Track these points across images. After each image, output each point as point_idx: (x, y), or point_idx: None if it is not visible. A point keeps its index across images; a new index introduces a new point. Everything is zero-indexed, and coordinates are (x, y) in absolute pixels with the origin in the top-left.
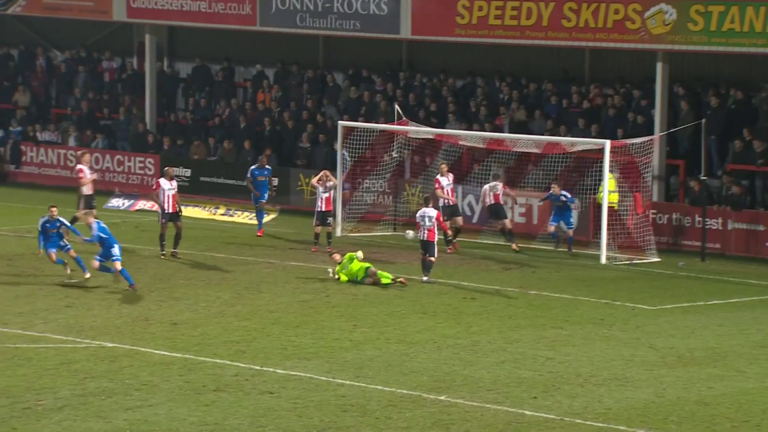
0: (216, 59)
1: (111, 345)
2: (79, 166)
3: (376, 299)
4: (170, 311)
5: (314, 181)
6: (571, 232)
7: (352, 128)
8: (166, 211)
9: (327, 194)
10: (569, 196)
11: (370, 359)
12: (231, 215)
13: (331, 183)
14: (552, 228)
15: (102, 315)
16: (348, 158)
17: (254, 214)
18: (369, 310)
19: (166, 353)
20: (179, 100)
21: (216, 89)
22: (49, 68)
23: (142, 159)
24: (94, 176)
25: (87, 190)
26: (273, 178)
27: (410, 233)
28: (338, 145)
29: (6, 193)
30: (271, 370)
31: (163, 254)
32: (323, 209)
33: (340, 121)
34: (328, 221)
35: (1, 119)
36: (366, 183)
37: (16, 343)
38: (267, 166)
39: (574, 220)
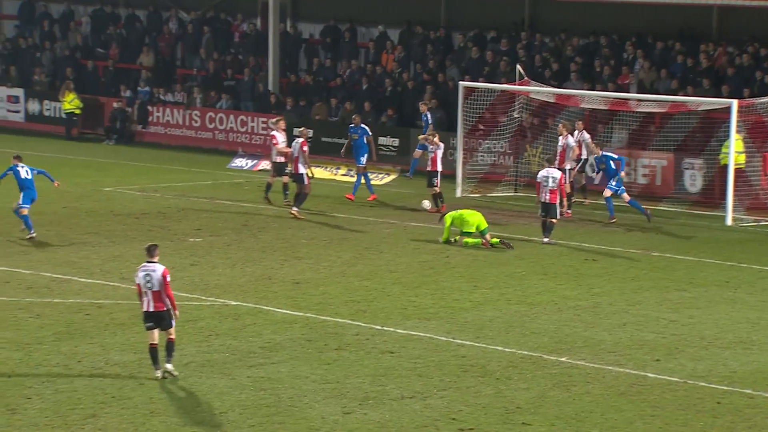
0: (339, 20)
1: (235, 303)
2: (272, 132)
3: (496, 260)
4: (292, 270)
5: (423, 139)
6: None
7: (473, 89)
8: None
9: (432, 155)
10: (615, 156)
11: (490, 320)
12: (352, 176)
13: (434, 145)
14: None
15: (226, 273)
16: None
17: (374, 175)
18: (489, 271)
19: (288, 312)
20: (302, 60)
21: (339, 50)
22: (177, 29)
23: (265, 119)
24: (287, 148)
25: (278, 157)
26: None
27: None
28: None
29: (133, 152)
30: (391, 329)
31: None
32: (430, 169)
33: (461, 82)
34: (433, 182)
35: (128, 80)
36: (486, 144)
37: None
38: (362, 125)
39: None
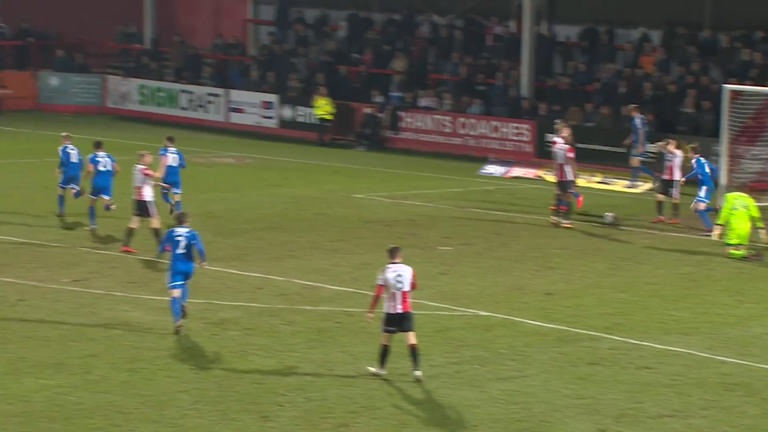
0: (597, 21)
1: (485, 314)
2: (554, 138)
3: (763, 273)
4: (544, 281)
5: (661, 146)
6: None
7: (739, 92)
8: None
9: (669, 162)
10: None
11: (756, 337)
12: (608, 183)
13: (672, 153)
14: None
15: (476, 283)
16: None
17: (634, 181)
18: (755, 285)
19: (540, 324)
20: (557, 64)
21: (596, 53)
22: (430, 33)
23: (517, 125)
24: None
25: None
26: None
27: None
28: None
29: (384, 158)
30: (648, 344)
31: (566, 223)
32: (666, 178)
33: (725, 85)
34: (669, 191)
35: (380, 85)
36: (754, 150)
37: None
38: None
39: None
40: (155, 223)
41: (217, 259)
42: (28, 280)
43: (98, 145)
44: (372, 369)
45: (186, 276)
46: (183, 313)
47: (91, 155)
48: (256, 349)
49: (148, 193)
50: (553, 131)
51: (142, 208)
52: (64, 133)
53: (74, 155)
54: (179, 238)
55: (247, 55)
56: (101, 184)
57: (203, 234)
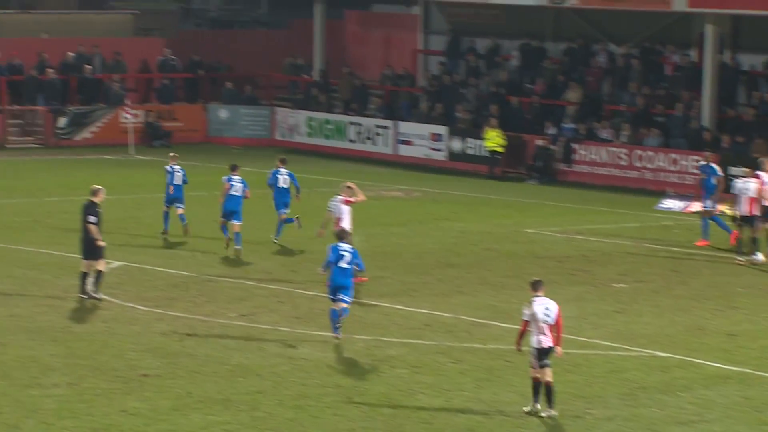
0: None
1: (663, 355)
2: (758, 172)
3: None
4: (727, 321)
5: None
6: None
7: None
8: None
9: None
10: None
11: None
12: None
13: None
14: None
15: (653, 323)
16: None
17: None
18: None
19: (722, 366)
20: (740, 94)
21: None
22: (606, 63)
23: (697, 158)
24: None
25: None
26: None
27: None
28: None
29: (556, 192)
30: None
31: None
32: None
33: None
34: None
35: (553, 116)
36: None
37: (565, 348)
38: (712, 164)
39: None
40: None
41: (384, 295)
42: (196, 315)
43: (234, 169)
44: (526, 408)
45: (344, 290)
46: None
47: (226, 177)
48: (423, 388)
49: (347, 224)
50: (741, 164)
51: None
52: (171, 153)
53: (179, 176)
54: (344, 253)
55: (416, 86)
56: (231, 208)
57: (369, 269)
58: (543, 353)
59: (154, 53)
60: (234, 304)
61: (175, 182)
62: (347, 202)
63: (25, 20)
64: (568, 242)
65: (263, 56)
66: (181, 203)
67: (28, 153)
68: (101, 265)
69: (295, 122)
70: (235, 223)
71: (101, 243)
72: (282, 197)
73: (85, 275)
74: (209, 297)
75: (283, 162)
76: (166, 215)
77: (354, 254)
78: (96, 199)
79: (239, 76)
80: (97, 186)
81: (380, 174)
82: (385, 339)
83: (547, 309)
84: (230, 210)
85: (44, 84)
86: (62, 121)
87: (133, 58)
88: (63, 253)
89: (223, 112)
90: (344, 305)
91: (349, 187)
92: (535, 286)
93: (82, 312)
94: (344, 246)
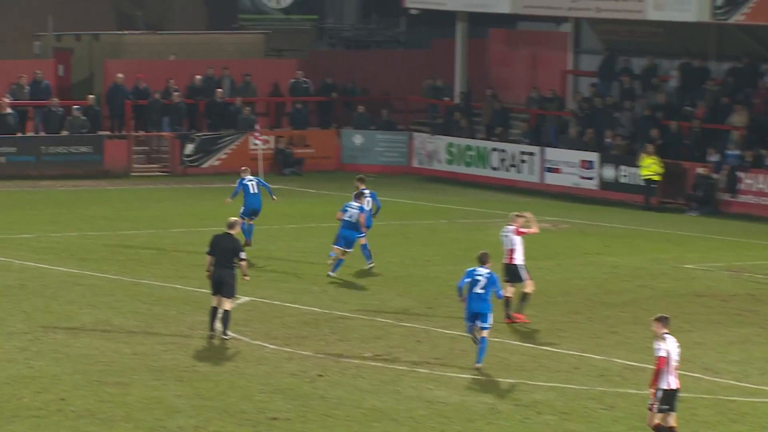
0: None
1: None
2: None
3: None
4: None
5: None
6: None
7: None
8: None
9: None
10: None
11: None
12: None
13: None
14: None
15: None
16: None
17: None
18: None
19: None
20: None
21: None
22: None
23: None
24: None
25: None
26: None
27: None
28: None
29: (719, 224)
30: None
31: None
32: None
33: None
34: None
35: (716, 142)
36: None
37: (729, 395)
38: None
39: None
40: (528, 287)
41: (530, 335)
42: (327, 354)
43: (361, 181)
44: None
45: (480, 318)
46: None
47: (356, 207)
48: None
49: (519, 257)
50: None
51: (512, 273)
52: (243, 167)
53: (253, 186)
54: (479, 278)
55: (565, 110)
56: (345, 233)
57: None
58: (672, 396)
59: (286, 75)
60: (368, 343)
61: (251, 192)
62: (519, 233)
63: (151, 41)
64: (732, 279)
65: (400, 78)
66: (256, 215)
67: (153, 181)
68: (228, 305)
69: (434, 148)
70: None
71: (247, 278)
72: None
73: (215, 310)
74: (342, 335)
75: (362, 182)
76: (246, 227)
77: (491, 280)
78: (230, 231)
79: (375, 100)
80: (233, 219)
81: (525, 204)
82: (531, 382)
83: (678, 346)
84: (345, 235)
85: (170, 109)
86: (189, 148)
87: (263, 80)
88: (189, 288)
89: (358, 138)
90: (483, 333)
91: (522, 217)
92: (665, 321)
93: (209, 350)
94: (481, 270)
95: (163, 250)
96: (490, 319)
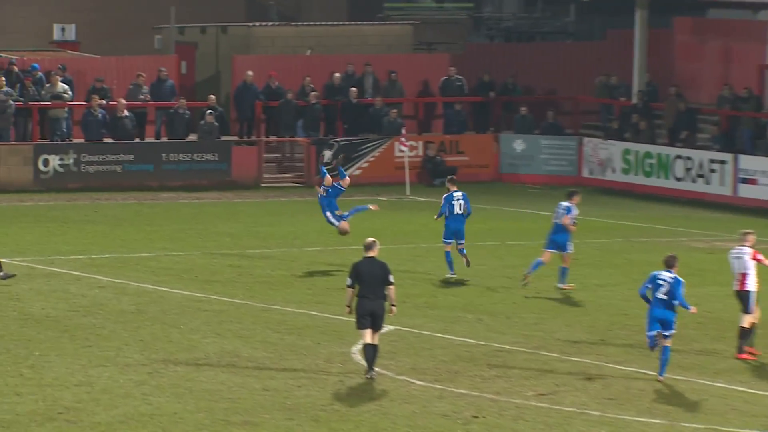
0: None
1: None
2: None
3: None
4: None
5: None
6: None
7: None
8: None
9: None
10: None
11: None
12: None
13: None
14: None
15: None
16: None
17: None
18: None
19: None
20: None
21: None
22: None
23: None
24: None
25: None
26: None
27: None
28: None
29: None
30: None
31: None
32: None
33: None
34: None
35: None
36: None
37: None
38: None
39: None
40: (748, 320)
41: (720, 372)
42: (483, 392)
43: (571, 195)
44: None
45: (664, 325)
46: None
47: (563, 208)
48: None
49: (752, 283)
50: None
51: (743, 300)
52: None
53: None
54: (662, 282)
55: (762, 111)
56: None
57: (702, 340)
58: None
59: (437, 72)
60: (531, 381)
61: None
62: (757, 259)
63: (285, 34)
64: None
65: (569, 75)
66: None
67: (285, 193)
68: (376, 338)
69: (608, 156)
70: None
71: (395, 309)
72: (457, 224)
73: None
74: (500, 371)
75: (453, 182)
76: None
77: (676, 285)
78: (371, 254)
79: (539, 100)
80: (371, 239)
81: (715, 220)
82: (723, 428)
83: None
84: (556, 239)
85: (305, 111)
86: (326, 156)
87: (411, 78)
88: (326, 315)
89: (519, 144)
90: (667, 342)
91: (751, 234)
92: None
93: (348, 387)
94: (665, 275)
95: (297, 272)
96: (674, 326)
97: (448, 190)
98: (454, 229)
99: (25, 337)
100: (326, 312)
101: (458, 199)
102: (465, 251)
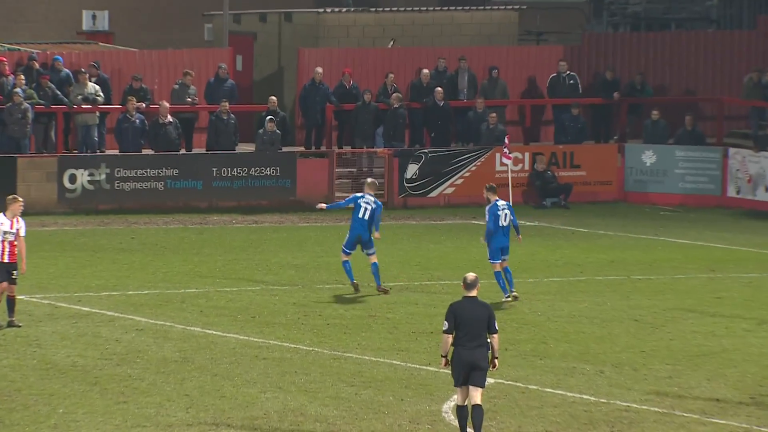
0: None
1: None
2: None
3: None
4: None
5: None
6: None
7: None
8: None
9: None
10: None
11: None
12: None
13: None
14: None
15: None
16: None
17: None
18: None
19: None
20: None
21: None
22: None
23: None
24: None
25: None
26: None
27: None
28: None
29: None
30: None
31: None
32: None
33: None
34: None
35: None
36: None
37: None
38: None
39: None
40: None
41: None
42: None
43: (492, 191)
44: None
45: None
46: None
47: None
48: None
49: None
50: None
51: None
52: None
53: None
54: None
55: None
56: None
57: None
58: None
59: (547, 68)
60: None
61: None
62: None
63: (362, 22)
64: None
65: (711, 71)
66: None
67: None
68: (480, 397)
69: (760, 171)
70: None
71: (497, 362)
72: (504, 238)
73: (464, 411)
74: None
75: (493, 192)
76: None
77: None
78: (473, 293)
79: (674, 102)
80: (473, 275)
81: None
82: None
83: None
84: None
85: (387, 115)
86: (411, 170)
87: (516, 75)
88: (411, 365)
89: (649, 156)
90: None
91: None
92: None
93: None
94: None
95: (376, 312)
96: None
97: (489, 201)
98: (502, 245)
99: (47, 390)
100: (411, 361)
101: (503, 209)
102: (510, 271)
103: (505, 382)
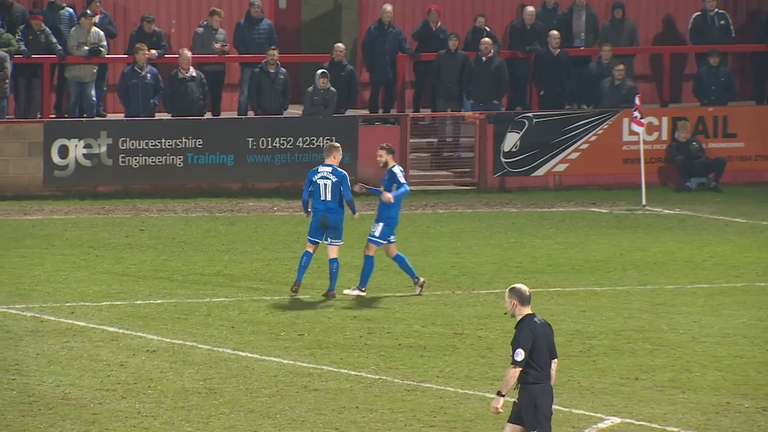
0: None
1: None
2: None
3: None
4: None
5: None
6: None
7: None
8: None
9: None
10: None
11: None
12: None
13: None
14: None
15: None
16: None
17: None
18: None
19: None
20: None
21: None
22: None
23: None
24: None
25: None
26: None
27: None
28: None
29: None
30: None
31: None
32: None
33: None
34: None
35: None
36: None
37: None
38: None
39: None
40: None
41: None
42: None
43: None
44: None
45: None
46: None
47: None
48: None
49: None
50: None
51: None
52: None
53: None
54: None
55: None
56: None
57: None
58: None
59: (687, 5)
60: None
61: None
62: None
63: None
64: None
65: None
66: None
67: (445, 201)
68: None
69: None
70: None
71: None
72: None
73: None
74: None
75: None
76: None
77: None
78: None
79: None
80: (523, 286)
81: None
82: None
83: None
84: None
85: (476, 70)
86: (511, 141)
87: (648, 15)
88: (488, 394)
89: None
90: None
91: None
92: None
93: None
94: None
95: (463, 329)
96: None
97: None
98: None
99: (28, 430)
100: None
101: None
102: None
103: (636, 422)
